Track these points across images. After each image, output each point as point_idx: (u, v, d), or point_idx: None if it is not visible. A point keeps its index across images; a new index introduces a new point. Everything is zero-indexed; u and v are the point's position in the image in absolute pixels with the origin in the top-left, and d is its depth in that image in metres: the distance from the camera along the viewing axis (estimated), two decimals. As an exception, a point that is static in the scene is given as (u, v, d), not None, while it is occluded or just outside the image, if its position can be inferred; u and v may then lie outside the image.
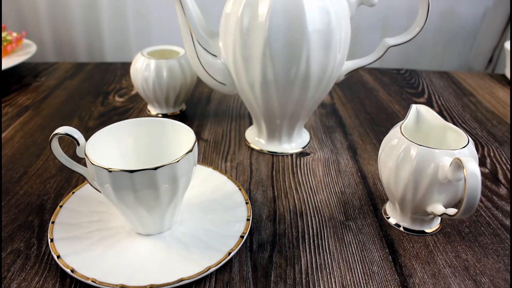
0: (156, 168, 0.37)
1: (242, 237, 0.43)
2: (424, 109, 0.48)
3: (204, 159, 0.61)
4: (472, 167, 0.37)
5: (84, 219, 0.46)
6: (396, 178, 0.44)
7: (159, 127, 0.46)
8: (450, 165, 0.40)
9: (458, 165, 0.39)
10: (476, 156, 0.43)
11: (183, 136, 0.44)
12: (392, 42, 0.57)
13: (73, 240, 0.43)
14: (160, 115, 0.73)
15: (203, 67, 0.57)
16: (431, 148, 0.42)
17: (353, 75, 0.94)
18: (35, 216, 0.49)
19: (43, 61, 1.02)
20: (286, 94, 0.54)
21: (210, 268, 0.39)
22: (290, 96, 0.55)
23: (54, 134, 0.42)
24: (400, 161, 0.43)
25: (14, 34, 0.92)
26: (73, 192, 0.49)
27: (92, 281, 0.38)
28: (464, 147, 0.42)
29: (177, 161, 0.38)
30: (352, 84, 0.89)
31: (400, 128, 0.45)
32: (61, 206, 0.47)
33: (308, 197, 0.53)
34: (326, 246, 0.45)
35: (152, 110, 0.74)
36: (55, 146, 0.43)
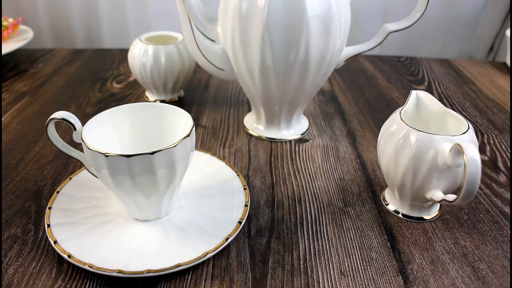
0: (153, 153, 0.37)
1: (240, 222, 0.43)
2: (424, 95, 0.48)
3: (202, 146, 0.60)
4: (472, 153, 0.37)
5: (81, 204, 0.45)
6: (395, 164, 0.44)
7: (157, 113, 0.45)
8: (450, 151, 0.40)
9: (458, 151, 0.39)
10: (476, 142, 0.43)
11: (181, 122, 0.43)
12: (392, 27, 0.56)
13: (70, 225, 0.43)
14: (158, 102, 0.73)
15: (201, 53, 0.57)
16: (430, 134, 0.41)
17: (352, 62, 0.94)
18: (32, 202, 0.48)
19: (40, 48, 1.01)
20: (285, 79, 0.54)
21: (207, 254, 0.39)
22: (289, 82, 0.54)
23: (50, 119, 0.41)
24: (399, 147, 0.43)
25: (10, 20, 0.91)
26: (70, 178, 0.49)
27: (89, 266, 0.37)
28: (464, 133, 0.42)
29: (175, 146, 0.38)
30: (351, 71, 0.89)
31: (400, 113, 0.45)
32: (58, 192, 0.47)
33: (307, 184, 0.52)
34: (325, 232, 0.45)
35: (150, 96, 0.74)
36: (52, 131, 0.43)
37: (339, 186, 0.52)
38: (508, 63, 0.93)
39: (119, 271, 0.37)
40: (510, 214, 0.48)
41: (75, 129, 0.41)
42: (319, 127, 0.66)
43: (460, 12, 1.10)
